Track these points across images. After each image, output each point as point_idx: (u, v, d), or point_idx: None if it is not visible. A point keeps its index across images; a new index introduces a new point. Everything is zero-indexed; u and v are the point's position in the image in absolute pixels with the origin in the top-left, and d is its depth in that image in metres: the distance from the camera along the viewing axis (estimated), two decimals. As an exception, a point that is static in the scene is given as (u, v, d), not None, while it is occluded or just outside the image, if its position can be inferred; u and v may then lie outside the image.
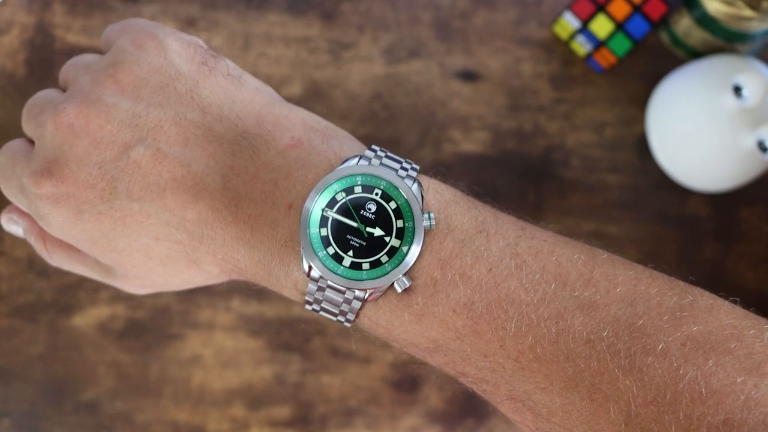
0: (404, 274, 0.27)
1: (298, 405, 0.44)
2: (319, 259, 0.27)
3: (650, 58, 0.47)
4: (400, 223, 0.28)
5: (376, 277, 0.27)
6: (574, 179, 0.46)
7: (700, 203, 0.47)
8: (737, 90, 0.42)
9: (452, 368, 0.28)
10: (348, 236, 0.28)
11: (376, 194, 0.28)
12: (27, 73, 0.45)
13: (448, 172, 0.45)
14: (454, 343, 0.27)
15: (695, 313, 0.26)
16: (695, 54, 0.46)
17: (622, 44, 0.45)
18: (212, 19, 0.46)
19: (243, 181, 0.28)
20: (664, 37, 0.47)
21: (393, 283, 0.27)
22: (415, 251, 0.27)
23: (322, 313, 0.29)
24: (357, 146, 0.30)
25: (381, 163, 0.28)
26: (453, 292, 0.27)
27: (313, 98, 0.46)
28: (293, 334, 0.44)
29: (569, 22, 0.45)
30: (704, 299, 0.26)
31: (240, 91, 0.30)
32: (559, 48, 0.47)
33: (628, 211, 0.46)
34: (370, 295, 0.27)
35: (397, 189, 0.28)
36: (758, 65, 0.44)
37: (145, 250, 0.29)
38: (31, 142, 0.31)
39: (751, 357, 0.25)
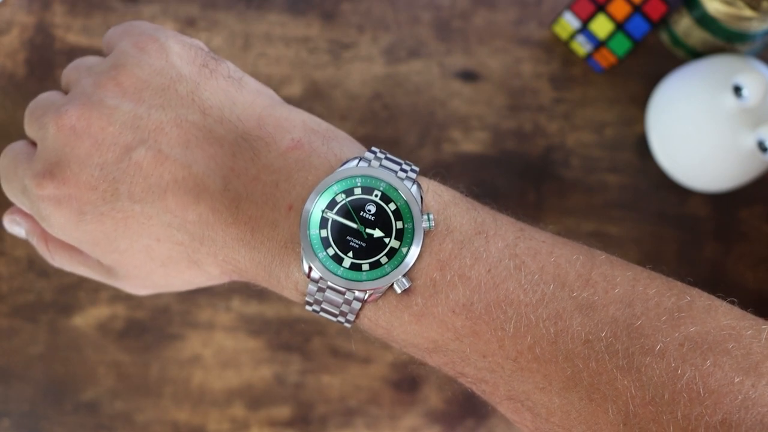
0: (404, 275, 0.27)
1: (298, 405, 0.44)
2: (319, 260, 0.27)
3: (650, 58, 0.47)
4: (399, 225, 0.28)
5: (376, 278, 0.27)
6: (574, 179, 0.46)
7: (700, 203, 0.47)
8: (737, 90, 0.42)
9: (451, 368, 0.28)
10: (348, 237, 0.28)
11: (376, 196, 0.28)
12: (27, 73, 0.45)
13: (448, 173, 0.45)
14: (453, 343, 0.27)
15: (693, 314, 0.26)
16: (695, 54, 0.46)
17: (622, 44, 0.45)
18: (212, 19, 0.46)
19: (244, 183, 0.28)
20: (664, 37, 0.47)
21: (392, 284, 0.27)
22: (414, 252, 0.27)
23: (322, 313, 0.29)
24: (357, 148, 0.30)
25: (380, 165, 0.29)
26: (452, 292, 0.27)
27: (313, 98, 0.46)
28: (293, 334, 0.44)
29: (569, 22, 0.45)
30: (702, 300, 0.27)
31: (241, 94, 0.30)
32: (559, 48, 0.47)
33: (628, 211, 0.46)
34: (370, 295, 0.28)
35: (397, 190, 0.28)
36: (758, 65, 0.44)
37: (146, 251, 0.30)
38: (33, 143, 0.31)
39: (748, 357, 0.25)
